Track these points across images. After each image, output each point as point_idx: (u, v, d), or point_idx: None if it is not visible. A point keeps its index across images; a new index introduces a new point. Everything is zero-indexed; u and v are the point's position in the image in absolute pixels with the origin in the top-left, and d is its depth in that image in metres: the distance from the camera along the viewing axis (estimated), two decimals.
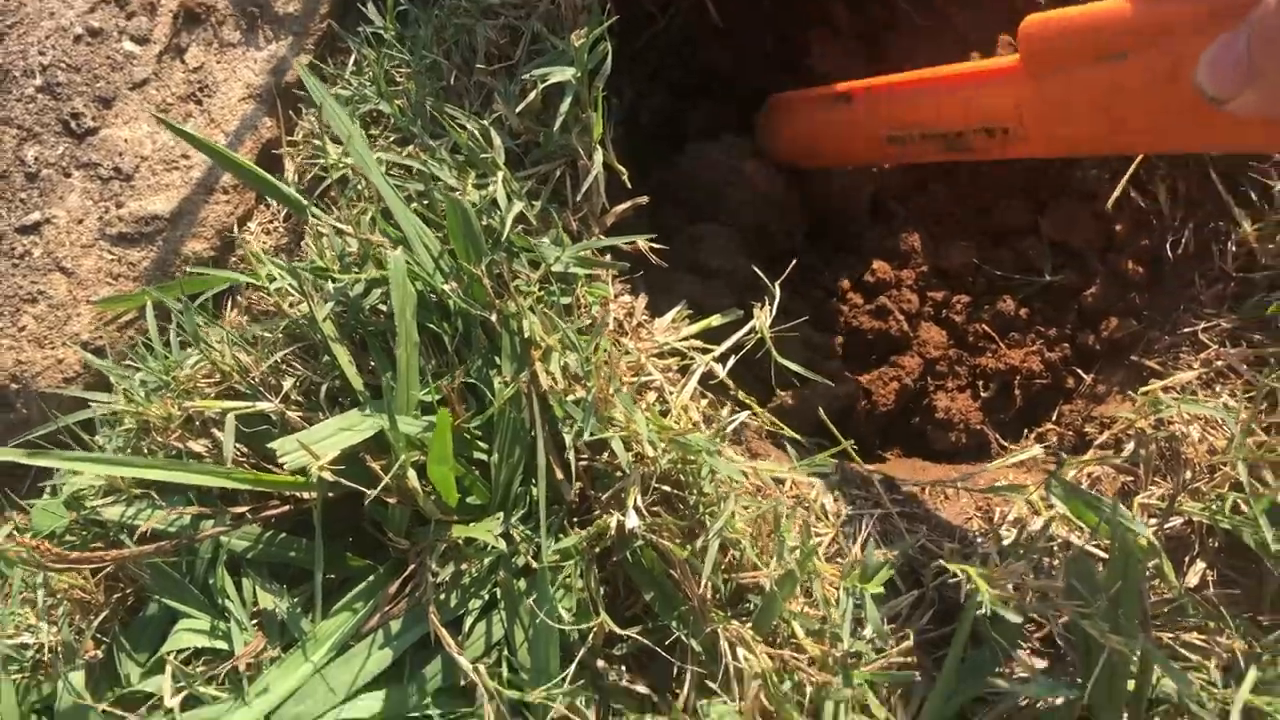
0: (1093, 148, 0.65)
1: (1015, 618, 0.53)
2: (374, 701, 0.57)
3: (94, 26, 0.72)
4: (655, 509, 0.59)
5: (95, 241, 0.69)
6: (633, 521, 0.56)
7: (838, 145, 0.79)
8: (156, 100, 0.71)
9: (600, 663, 0.59)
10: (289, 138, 0.70)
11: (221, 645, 0.59)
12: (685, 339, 0.66)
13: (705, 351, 0.66)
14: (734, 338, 0.65)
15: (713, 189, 0.79)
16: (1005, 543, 0.62)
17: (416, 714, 0.57)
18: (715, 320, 0.68)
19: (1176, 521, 0.63)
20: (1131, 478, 0.64)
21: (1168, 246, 0.73)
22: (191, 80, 0.72)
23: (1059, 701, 0.60)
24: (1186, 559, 0.63)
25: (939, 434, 0.80)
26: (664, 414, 0.62)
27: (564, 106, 0.64)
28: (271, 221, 0.72)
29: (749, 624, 0.58)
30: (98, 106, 0.71)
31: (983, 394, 0.81)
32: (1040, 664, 0.60)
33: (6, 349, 0.68)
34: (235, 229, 0.70)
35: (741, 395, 0.67)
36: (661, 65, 0.96)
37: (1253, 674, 0.58)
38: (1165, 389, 0.65)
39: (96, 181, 0.70)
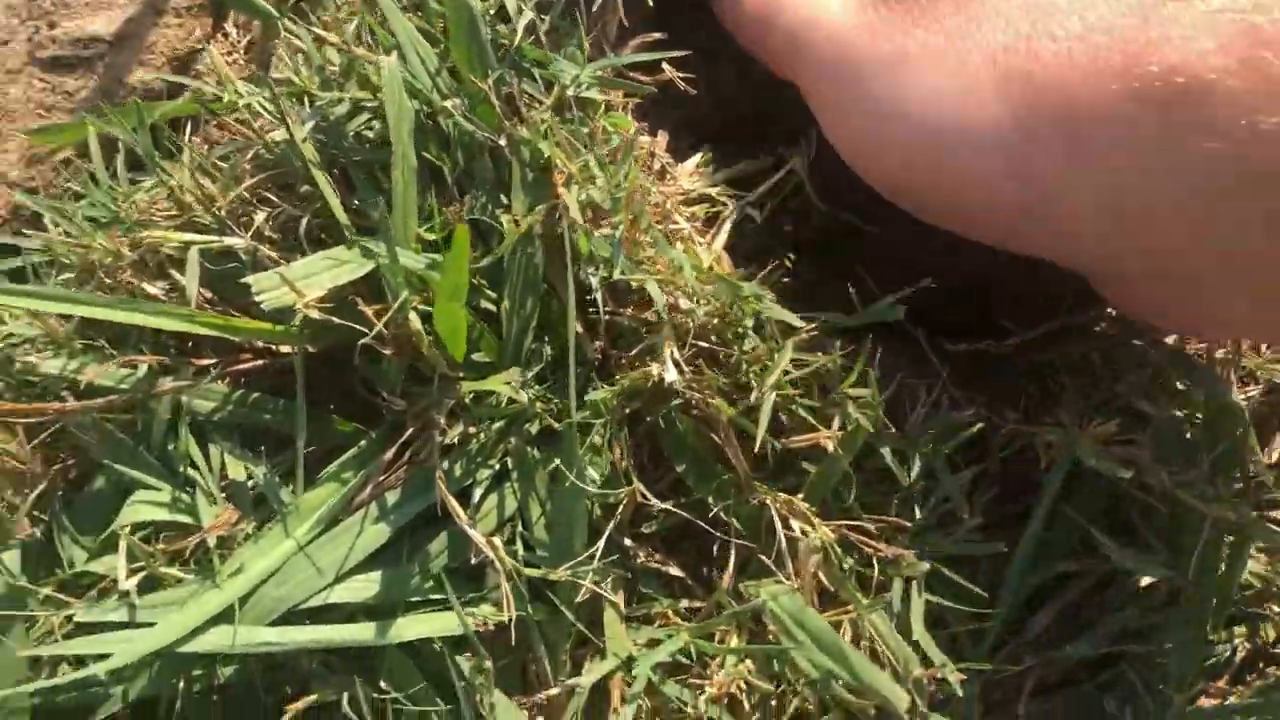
0: None
1: (1124, 472, 0.47)
2: (368, 584, 0.49)
3: None
4: (695, 365, 0.51)
5: (24, 66, 0.59)
6: (671, 375, 0.48)
7: None
8: None
9: (627, 541, 0.52)
10: None
11: (185, 519, 0.50)
12: (717, 184, 0.58)
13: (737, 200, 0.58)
14: (773, 179, 0.58)
15: None
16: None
17: (418, 597, 0.49)
18: (746, 165, 0.60)
19: (1254, 390, 0.57)
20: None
21: None
22: None
23: (1144, 582, 0.54)
24: (1265, 433, 0.57)
25: None
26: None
27: None
28: (231, 53, 0.62)
29: (800, 495, 0.50)
30: None
31: None
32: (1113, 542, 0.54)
33: None
34: (191, 55, 0.60)
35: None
36: None
37: None
38: None
39: None
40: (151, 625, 0.47)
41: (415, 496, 0.50)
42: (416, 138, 0.52)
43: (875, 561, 0.49)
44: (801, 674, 0.47)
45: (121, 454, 0.51)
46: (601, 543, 0.49)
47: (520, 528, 0.51)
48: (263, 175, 0.52)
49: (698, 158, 0.60)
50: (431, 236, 0.51)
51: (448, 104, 0.51)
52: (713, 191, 0.57)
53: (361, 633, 0.48)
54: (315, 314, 0.47)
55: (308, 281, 0.48)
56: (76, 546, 0.51)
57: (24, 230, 0.57)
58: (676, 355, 0.50)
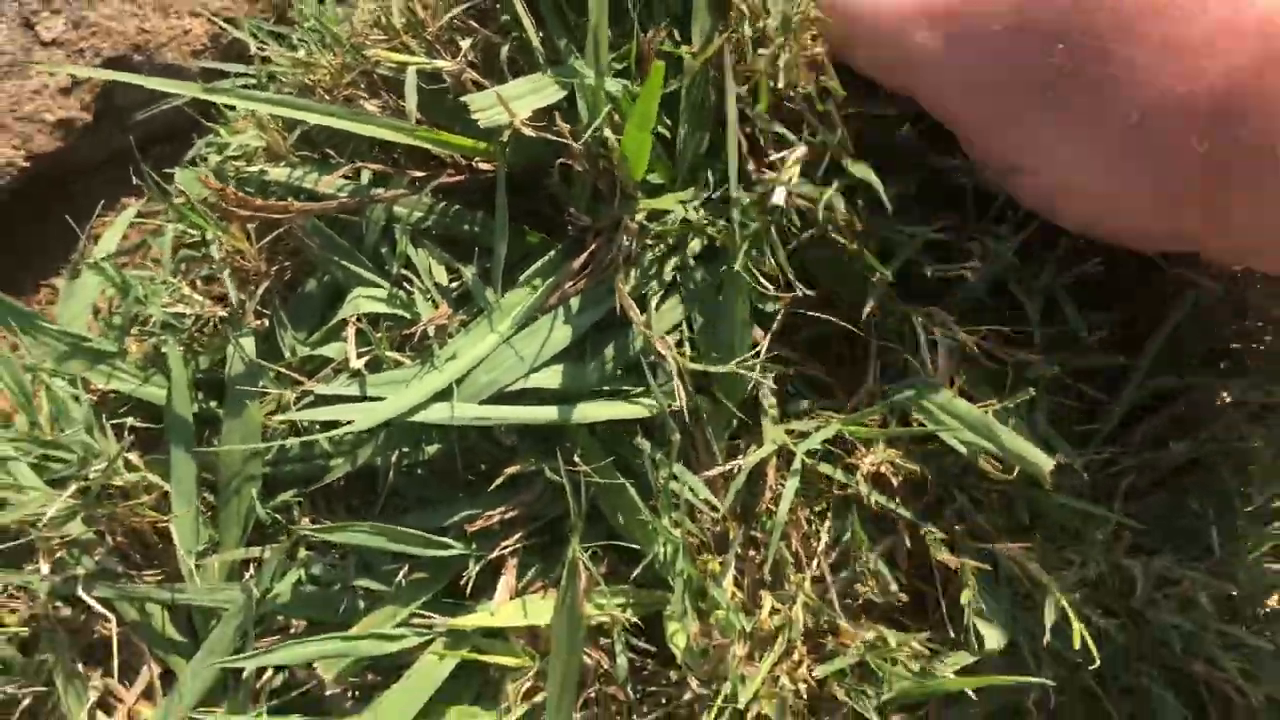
0: None
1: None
2: (559, 374, 0.56)
3: None
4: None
5: None
6: (778, 197, 0.53)
7: None
8: None
9: (781, 349, 0.58)
10: None
11: (401, 313, 0.57)
12: None
13: None
14: None
15: None
16: None
17: (605, 387, 0.56)
18: None
19: None
20: None
21: None
22: None
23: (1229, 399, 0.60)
24: None
25: None
26: None
27: None
28: None
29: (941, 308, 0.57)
30: None
31: None
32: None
33: (129, 15, 0.63)
34: None
35: None
36: None
37: None
38: None
39: None
40: (381, 400, 0.54)
41: (594, 305, 0.57)
42: None
43: (1009, 367, 0.55)
44: (944, 457, 0.54)
45: (341, 255, 0.57)
46: (765, 342, 0.55)
47: (687, 331, 0.57)
48: (464, 5, 0.57)
49: None
50: (618, 65, 0.56)
51: None
52: None
53: (560, 414, 0.55)
54: (529, 131, 0.52)
55: (517, 103, 0.53)
56: (295, 340, 0.58)
57: (229, 56, 0.62)
58: (795, 178, 0.54)
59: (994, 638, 0.53)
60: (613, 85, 0.54)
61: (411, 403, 0.53)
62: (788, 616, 0.54)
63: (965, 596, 0.53)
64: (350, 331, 0.55)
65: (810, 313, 0.57)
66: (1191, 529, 0.60)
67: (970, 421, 0.52)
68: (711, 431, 0.57)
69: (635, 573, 0.55)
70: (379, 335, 0.55)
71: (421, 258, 0.57)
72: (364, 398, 0.54)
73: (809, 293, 0.56)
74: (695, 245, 0.58)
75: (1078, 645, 0.49)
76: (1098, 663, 0.49)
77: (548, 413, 0.55)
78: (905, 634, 0.54)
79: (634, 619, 0.56)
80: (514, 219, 0.59)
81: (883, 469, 0.55)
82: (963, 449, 0.52)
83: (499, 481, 0.55)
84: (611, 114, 0.55)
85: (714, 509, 0.55)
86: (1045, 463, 0.50)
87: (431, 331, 0.55)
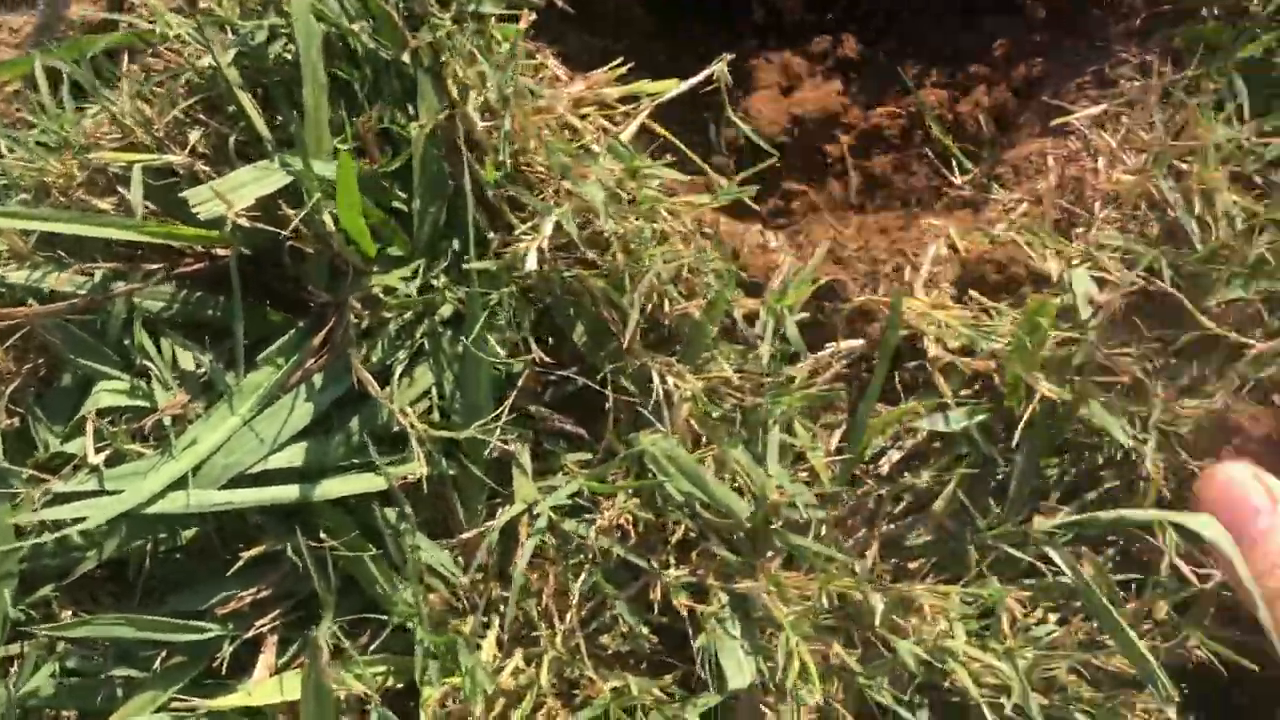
0: None
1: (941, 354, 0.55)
2: (301, 451, 0.57)
3: None
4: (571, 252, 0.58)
5: None
6: (531, 264, 0.55)
7: None
8: None
9: (531, 406, 0.60)
10: None
11: (143, 404, 0.57)
12: (614, 88, 0.64)
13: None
14: (688, 83, 0.64)
15: None
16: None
17: (348, 461, 0.57)
18: (649, 86, 0.65)
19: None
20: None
21: None
22: None
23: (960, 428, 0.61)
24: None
25: None
26: None
27: None
28: None
29: (676, 358, 0.58)
30: None
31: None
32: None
33: None
34: None
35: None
36: None
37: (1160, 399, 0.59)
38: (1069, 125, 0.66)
39: None
40: (119, 493, 0.55)
41: (338, 380, 0.58)
42: (328, 57, 0.58)
43: (740, 411, 0.57)
44: (674, 502, 0.55)
45: (84, 350, 0.58)
46: (506, 405, 0.56)
47: (437, 399, 0.59)
48: (195, 99, 0.58)
49: (600, 72, 0.66)
50: (345, 146, 0.58)
51: (355, 26, 0.57)
52: (611, 93, 0.64)
53: (301, 491, 0.56)
54: (244, 221, 0.54)
55: (237, 193, 0.55)
56: (49, 434, 0.59)
57: None
58: (545, 244, 0.56)
59: (737, 676, 0.54)
60: (327, 169, 0.55)
61: (147, 494, 0.54)
62: (532, 675, 0.55)
63: (701, 640, 0.54)
64: (89, 428, 0.56)
65: (558, 372, 0.58)
66: (950, 549, 0.61)
67: (687, 471, 0.53)
68: (461, 496, 0.58)
69: (377, 641, 0.56)
70: (115, 429, 0.55)
71: (165, 347, 0.58)
72: (103, 492, 0.55)
73: (548, 359, 0.58)
74: (446, 311, 0.60)
75: (792, 683, 0.50)
76: (818, 695, 0.51)
77: (288, 492, 0.56)
78: (648, 680, 0.55)
79: (396, 686, 0.57)
80: (256, 299, 0.60)
81: (621, 520, 0.56)
82: (680, 497, 0.54)
83: (241, 563, 0.56)
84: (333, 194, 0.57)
85: (459, 575, 0.56)
86: (743, 509, 0.51)
87: (168, 420, 0.56)
